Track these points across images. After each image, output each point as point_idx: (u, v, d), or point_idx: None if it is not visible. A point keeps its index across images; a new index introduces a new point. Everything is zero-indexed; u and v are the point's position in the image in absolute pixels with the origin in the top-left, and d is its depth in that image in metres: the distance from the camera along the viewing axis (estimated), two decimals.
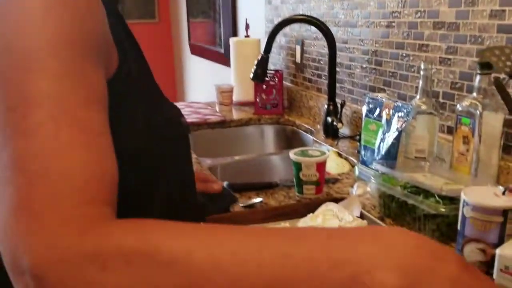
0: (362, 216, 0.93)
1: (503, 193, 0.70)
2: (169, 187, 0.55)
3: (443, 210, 0.80)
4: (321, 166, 1.02)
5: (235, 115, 1.82)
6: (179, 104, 2.03)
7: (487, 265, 0.68)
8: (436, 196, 0.83)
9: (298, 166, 1.01)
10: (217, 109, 1.91)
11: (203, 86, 3.19)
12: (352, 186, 1.08)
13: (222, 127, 1.71)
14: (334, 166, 1.26)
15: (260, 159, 1.42)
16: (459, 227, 0.73)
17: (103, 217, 0.34)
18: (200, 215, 0.65)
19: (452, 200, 0.80)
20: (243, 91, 1.94)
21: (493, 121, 0.90)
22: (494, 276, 0.65)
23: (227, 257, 0.31)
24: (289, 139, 1.72)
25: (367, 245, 0.32)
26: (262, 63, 1.48)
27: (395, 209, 0.91)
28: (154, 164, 0.52)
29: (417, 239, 0.32)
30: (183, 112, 1.89)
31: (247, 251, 0.31)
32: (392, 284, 0.29)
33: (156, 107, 0.54)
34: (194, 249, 0.31)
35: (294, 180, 1.04)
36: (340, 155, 1.34)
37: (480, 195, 0.71)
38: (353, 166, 1.25)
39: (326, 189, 1.07)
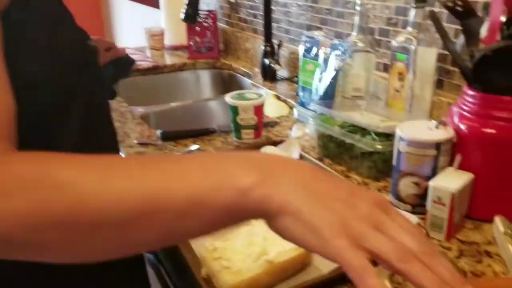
0: (301, 158, 0.92)
1: (436, 127, 0.71)
2: (79, 111, 0.53)
3: (379, 147, 0.80)
4: (259, 109, 0.98)
5: (168, 60, 1.72)
6: None
7: (421, 198, 0.70)
8: (373, 134, 0.83)
9: (235, 110, 0.97)
10: (148, 54, 1.80)
11: (133, 30, 2.99)
12: (291, 129, 1.06)
13: (154, 73, 1.61)
14: (273, 109, 1.24)
15: (196, 106, 1.37)
16: (394, 162, 0.73)
17: (1, 150, 0.36)
18: (115, 139, 0.64)
19: (388, 137, 0.81)
20: (175, 34, 1.83)
21: (427, 56, 0.90)
22: (428, 207, 0.67)
23: (112, 182, 0.33)
24: (227, 83, 1.66)
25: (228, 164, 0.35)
26: (193, 2, 1.38)
27: (333, 149, 0.90)
28: (60, 90, 0.50)
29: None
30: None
31: (127, 176, 0.34)
32: (249, 181, 0.33)
33: (61, 31, 0.51)
34: (83, 174, 0.33)
35: (232, 125, 1.00)
36: (278, 97, 1.31)
37: (414, 130, 0.71)
38: (292, 108, 1.23)
39: (265, 133, 1.05)
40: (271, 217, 0.34)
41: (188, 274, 0.58)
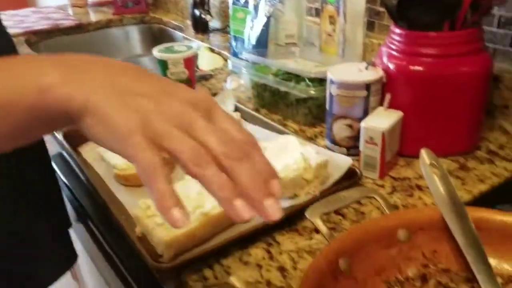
0: (237, 109, 0.90)
1: (366, 68, 0.71)
2: None
3: (312, 92, 0.80)
4: (189, 62, 0.94)
5: (93, 17, 1.60)
6: (27, 10, 1.72)
7: (355, 139, 0.71)
8: (307, 80, 0.82)
9: (163, 64, 0.92)
10: (70, 12, 1.66)
11: None
12: (225, 81, 1.03)
13: (78, 32, 1.50)
14: (207, 62, 1.19)
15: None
16: (327, 106, 0.73)
17: None
18: None
19: (321, 82, 0.80)
20: None
21: None
22: (361, 147, 0.68)
23: None
24: (157, 38, 1.58)
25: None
26: None
27: (269, 98, 0.89)
28: None
29: None
30: (31, 19, 1.60)
31: None
32: (50, 79, 0.32)
33: None
34: None
35: None
36: (212, 50, 1.26)
37: (344, 72, 0.71)
38: (226, 60, 1.19)
39: (199, 87, 1.01)
40: (77, 119, 0.31)
41: (122, 234, 0.56)
